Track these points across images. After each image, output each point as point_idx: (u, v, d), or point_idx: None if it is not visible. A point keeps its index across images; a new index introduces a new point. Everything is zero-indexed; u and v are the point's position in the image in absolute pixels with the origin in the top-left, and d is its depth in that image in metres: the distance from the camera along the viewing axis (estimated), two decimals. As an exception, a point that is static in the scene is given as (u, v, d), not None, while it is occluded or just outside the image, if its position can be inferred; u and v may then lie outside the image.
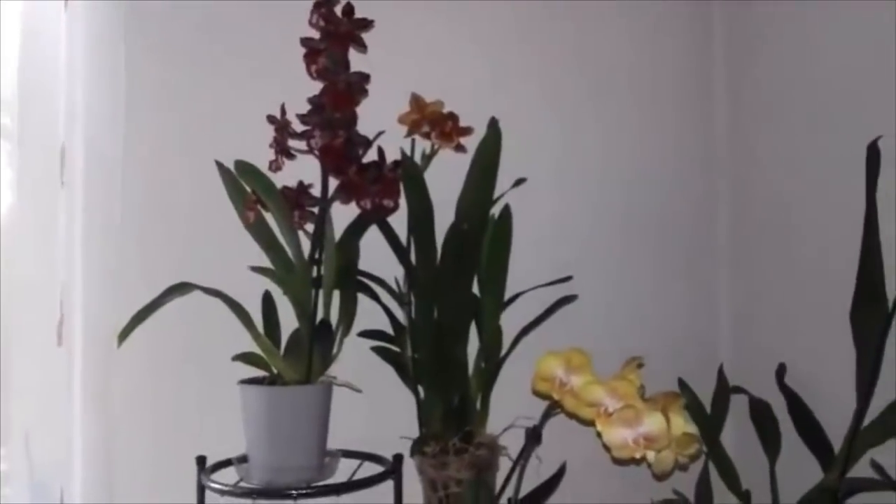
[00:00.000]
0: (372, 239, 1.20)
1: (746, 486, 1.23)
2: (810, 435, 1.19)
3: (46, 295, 1.04)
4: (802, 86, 1.36)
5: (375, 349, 1.23)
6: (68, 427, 1.03)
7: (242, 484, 1.07)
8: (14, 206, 1.08)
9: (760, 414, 1.25)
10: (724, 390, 1.31)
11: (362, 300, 1.20)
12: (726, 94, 1.53)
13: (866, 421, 1.09)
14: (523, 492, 1.03)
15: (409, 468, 1.15)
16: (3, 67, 1.18)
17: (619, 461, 0.94)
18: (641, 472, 1.21)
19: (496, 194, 1.21)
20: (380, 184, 1.09)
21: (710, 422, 1.27)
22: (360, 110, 1.12)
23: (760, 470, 1.22)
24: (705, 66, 1.52)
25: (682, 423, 0.94)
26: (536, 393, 0.98)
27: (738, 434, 1.37)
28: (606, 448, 0.93)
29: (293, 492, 1.03)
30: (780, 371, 1.26)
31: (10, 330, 1.05)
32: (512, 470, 1.03)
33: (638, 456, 0.92)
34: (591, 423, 0.94)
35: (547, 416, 0.98)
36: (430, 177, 1.18)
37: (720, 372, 1.32)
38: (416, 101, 1.22)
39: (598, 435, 0.93)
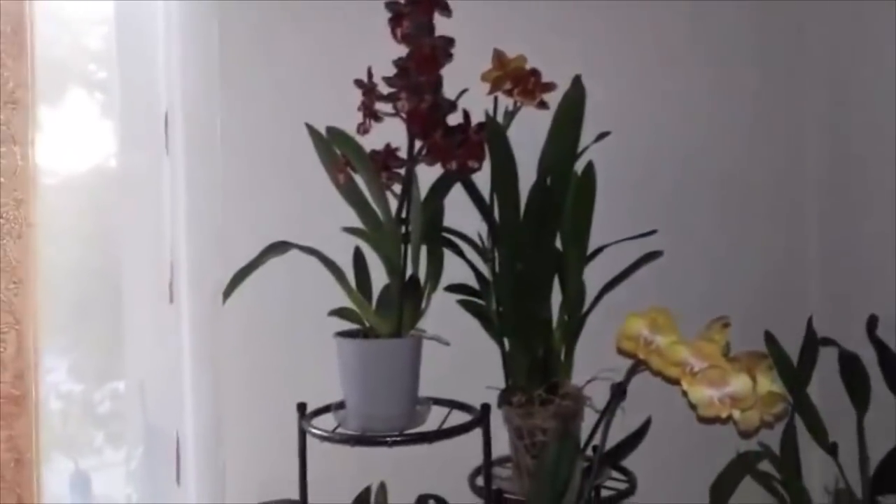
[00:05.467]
0: (455, 197, 1.22)
1: (833, 439, 1.23)
2: (901, 389, 1.18)
3: (158, 256, 1.11)
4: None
5: (461, 303, 1.26)
6: (180, 378, 1.11)
7: (340, 430, 1.13)
8: (122, 171, 1.14)
9: (850, 367, 1.24)
10: (812, 342, 1.30)
11: (448, 257, 1.23)
12: (819, 46, 1.48)
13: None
14: (608, 445, 1.05)
15: (496, 418, 1.18)
16: (98, 31, 1.20)
17: (704, 419, 0.95)
18: (727, 426, 1.22)
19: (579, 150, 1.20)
20: (465, 146, 1.10)
21: (797, 374, 1.27)
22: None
23: (848, 422, 1.21)
24: (794, 20, 1.48)
25: (767, 383, 0.94)
26: (621, 351, 1.00)
27: (825, 386, 1.36)
28: (692, 406, 0.94)
29: (388, 439, 1.09)
30: (871, 322, 1.25)
31: (125, 290, 1.13)
32: (597, 424, 1.05)
33: (724, 415, 0.93)
34: (676, 382, 0.95)
35: (632, 373, 0.99)
36: (513, 133, 1.18)
37: (809, 323, 1.31)
38: (499, 57, 1.21)
39: (684, 394, 0.94)
